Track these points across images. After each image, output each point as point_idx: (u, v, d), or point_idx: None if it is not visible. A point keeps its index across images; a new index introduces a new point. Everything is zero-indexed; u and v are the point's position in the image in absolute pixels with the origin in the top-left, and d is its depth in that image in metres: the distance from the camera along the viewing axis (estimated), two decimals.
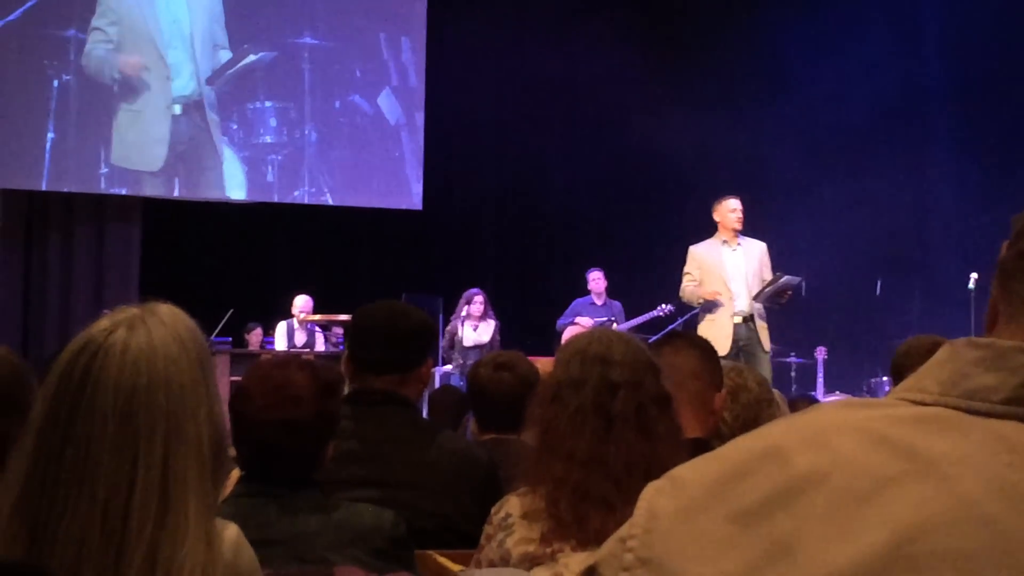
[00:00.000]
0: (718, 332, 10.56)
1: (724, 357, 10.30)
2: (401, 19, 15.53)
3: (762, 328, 10.83)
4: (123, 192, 14.63)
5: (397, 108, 15.55)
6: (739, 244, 10.98)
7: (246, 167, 14.97)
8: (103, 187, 14.48)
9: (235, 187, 14.97)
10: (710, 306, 10.81)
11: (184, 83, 14.76)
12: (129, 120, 14.58)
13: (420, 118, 15.59)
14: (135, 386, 1.91)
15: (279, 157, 15.13)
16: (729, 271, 10.86)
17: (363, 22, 15.35)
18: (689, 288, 10.93)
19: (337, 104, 15.39)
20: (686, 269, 11.02)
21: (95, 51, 14.49)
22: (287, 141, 15.18)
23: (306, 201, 15.20)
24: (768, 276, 10.97)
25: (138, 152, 14.62)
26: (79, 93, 14.32)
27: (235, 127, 14.96)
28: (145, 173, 14.63)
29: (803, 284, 11.36)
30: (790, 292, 10.98)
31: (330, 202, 15.25)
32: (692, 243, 11.00)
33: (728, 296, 10.77)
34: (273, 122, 15.14)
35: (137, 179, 14.64)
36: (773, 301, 10.94)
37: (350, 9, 15.34)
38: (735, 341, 10.66)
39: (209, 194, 14.90)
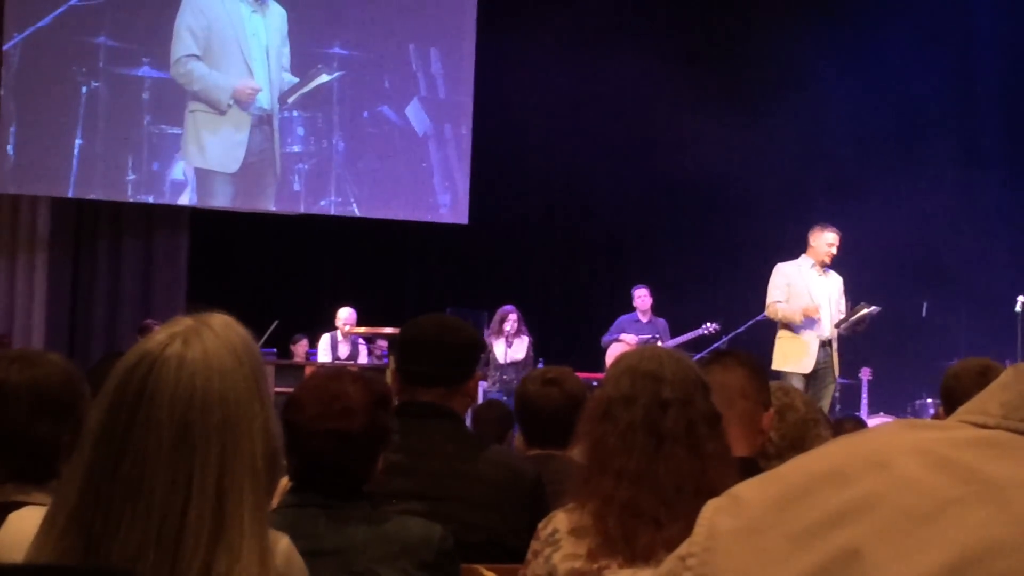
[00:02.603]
0: (802, 351, 10.83)
1: (804, 376, 10.51)
2: (431, 30, 15.57)
3: (836, 355, 10.99)
4: (149, 200, 14.69)
5: (425, 119, 15.57)
6: (825, 272, 11.18)
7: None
8: (130, 194, 14.53)
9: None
10: (798, 326, 10.89)
11: (262, 95, 14.92)
12: (210, 122, 14.74)
13: (449, 129, 15.59)
14: (191, 400, 1.91)
15: (306, 167, 15.15)
16: (817, 295, 11.04)
17: (392, 33, 15.39)
18: (783, 306, 11.00)
19: (365, 114, 15.40)
20: (775, 284, 11.11)
21: (183, 52, 14.65)
22: (314, 151, 15.21)
23: (332, 212, 15.21)
24: (843, 307, 11.20)
25: (218, 153, 14.76)
26: (108, 100, 14.37)
27: None
28: (217, 175, 14.78)
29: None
30: (868, 320, 11.17)
31: (357, 213, 15.25)
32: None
33: (819, 321, 10.95)
34: (301, 131, 15.18)
35: (207, 180, 14.77)
36: (852, 329, 11.13)
37: (379, 19, 15.37)
38: (816, 362, 10.79)
39: (258, 205, 14.98)
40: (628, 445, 2.92)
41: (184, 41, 14.63)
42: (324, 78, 15.16)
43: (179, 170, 14.65)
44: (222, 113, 14.70)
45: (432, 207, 15.56)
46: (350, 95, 15.28)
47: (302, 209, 15.07)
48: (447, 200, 15.54)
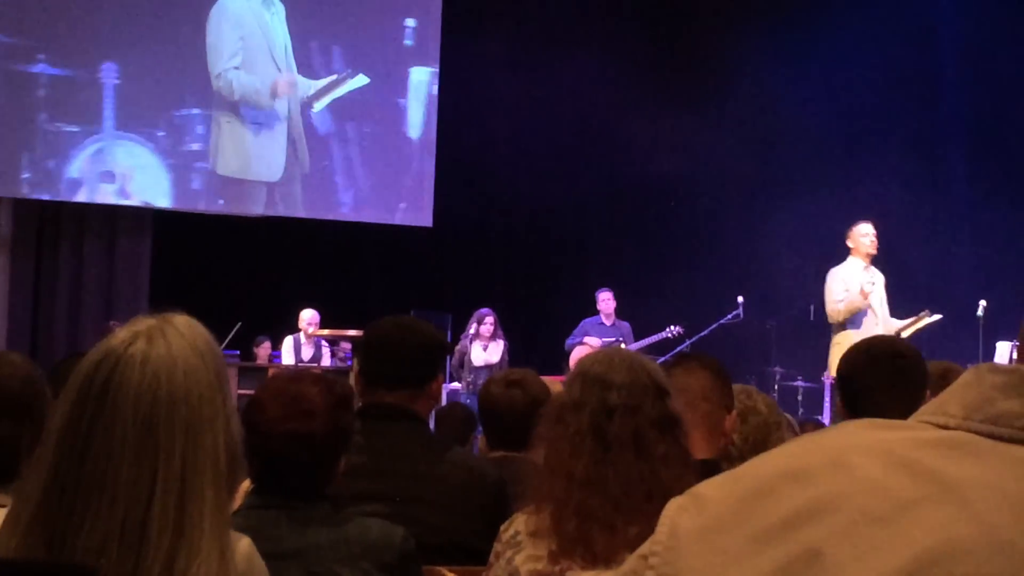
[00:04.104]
0: None
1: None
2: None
3: None
4: (45, 198, 14.52)
5: (327, 118, 15.47)
6: (873, 269, 11.07)
7: (172, 174, 14.85)
8: (26, 192, 14.38)
9: (161, 195, 14.87)
10: (857, 323, 10.75)
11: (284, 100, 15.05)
12: (250, 132, 14.84)
13: (351, 127, 15.49)
14: (155, 398, 1.91)
15: (207, 165, 14.95)
16: (872, 297, 10.90)
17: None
18: (843, 304, 10.80)
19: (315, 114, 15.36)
20: (834, 288, 10.94)
21: (226, 65, 14.72)
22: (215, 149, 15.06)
23: (281, 213, 15.11)
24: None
25: (259, 163, 14.91)
26: (1, 97, 14.22)
27: (162, 135, 14.82)
28: (258, 184, 14.96)
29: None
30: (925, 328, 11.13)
31: (302, 214, 15.17)
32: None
33: (875, 321, 10.82)
34: (200, 130, 14.99)
35: (234, 188, 14.92)
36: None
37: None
38: None
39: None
40: (576, 450, 2.93)
41: (223, 55, 14.73)
42: (350, 84, 15.25)
43: (75, 168, 14.48)
44: (260, 117, 14.86)
45: (333, 205, 15.53)
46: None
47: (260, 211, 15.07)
48: (348, 199, 15.54)
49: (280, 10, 15.02)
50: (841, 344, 10.73)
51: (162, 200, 14.85)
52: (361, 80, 15.28)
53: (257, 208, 15.00)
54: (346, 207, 15.35)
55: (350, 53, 15.35)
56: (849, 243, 11.16)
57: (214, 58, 14.73)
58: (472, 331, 13.37)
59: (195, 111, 14.94)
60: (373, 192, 15.44)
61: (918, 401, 3.55)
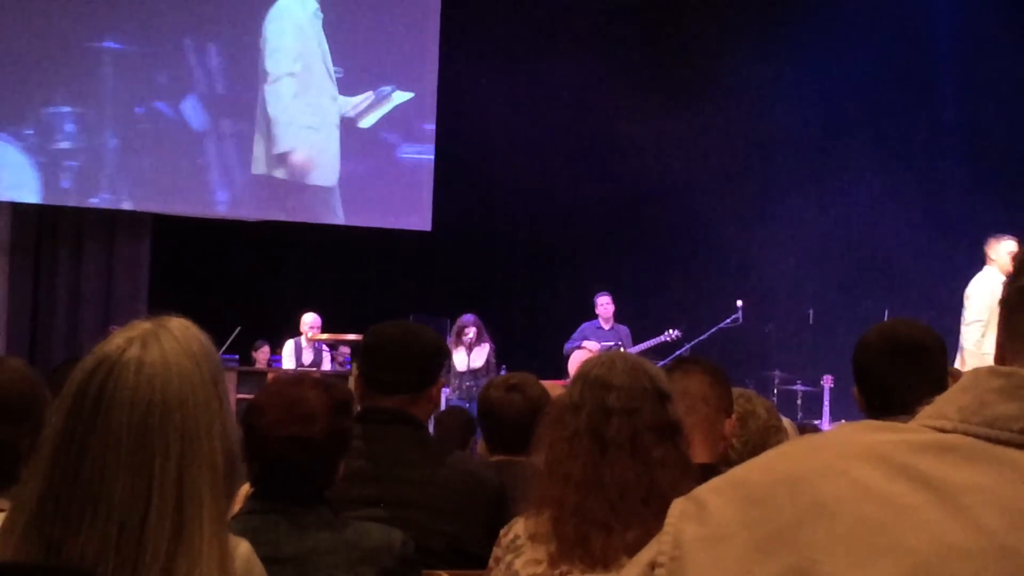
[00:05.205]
0: None
1: None
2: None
3: None
4: None
5: (203, 115, 15.20)
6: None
7: (40, 173, 14.55)
8: None
9: (29, 193, 14.57)
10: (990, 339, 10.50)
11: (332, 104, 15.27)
12: (303, 136, 15.05)
13: (227, 125, 15.31)
14: (150, 404, 1.90)
15: (77, 163, 14.70)
16: None
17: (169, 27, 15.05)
18: (980, 327, 10.38)
19: (141, 110, 15.00)
20: (977, 308, 10.51)
21: (282, 71, 14.92)
22: (86, 147, 14.74)
23: (104, 207, 14.85)
24: None
25: (313, 167, 15.14)
26: None
27: (30, 132, 14.51)
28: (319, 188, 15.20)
29: None
30: None
31: (126, 207, 14.87)
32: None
33: None
34: (70, 128, 14.70)
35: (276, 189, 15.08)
36: None
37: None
38: None
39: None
40: (574, 451, 2.94)
41: (279, 60, 14.97)
42: (394, 99, 15.37)
43: None
44: (310, 117, 15.08)
45: (209, 202, 15.35)
46: (124, 89, 14.98)
47: (72, 203, 14.83)
48: (226, 196, 15.32)
49: (321, 26, 15.19)
50: (975, 354, 10.23)
51: (30, 197, 14.55)
52: (401, 96, 15.35)
53: (280, 213, 15.09)
54: (139, 198, 15.07)
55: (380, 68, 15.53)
56: (991, 254, 10.59)
57: (272, 62, 14.96)
58: (455, 339, 13.29)
59: (65, 109, 14.67)
60: (163, 183, 15.09)
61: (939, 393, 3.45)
